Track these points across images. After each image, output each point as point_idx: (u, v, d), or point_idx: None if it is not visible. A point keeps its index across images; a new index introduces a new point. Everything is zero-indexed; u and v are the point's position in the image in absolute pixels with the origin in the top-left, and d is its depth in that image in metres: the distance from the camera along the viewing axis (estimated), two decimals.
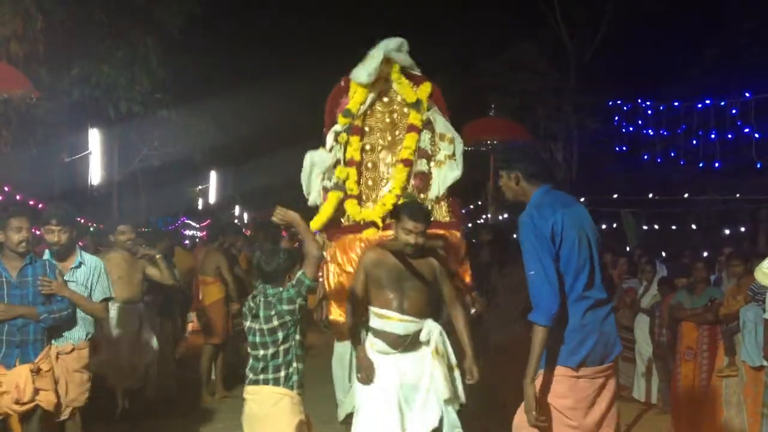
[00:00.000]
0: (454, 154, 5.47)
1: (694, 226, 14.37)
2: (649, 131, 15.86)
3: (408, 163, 5.45)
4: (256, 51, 23.84)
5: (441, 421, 4.70)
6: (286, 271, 4.59)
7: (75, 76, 12.11)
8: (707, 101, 14.32)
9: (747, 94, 13.89)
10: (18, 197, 9.99)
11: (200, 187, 32.34)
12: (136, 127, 16.73)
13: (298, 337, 4.50)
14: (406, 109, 5.62)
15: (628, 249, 11.77)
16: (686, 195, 15.11)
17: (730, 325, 6.68)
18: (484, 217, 13.70)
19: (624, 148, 17.46)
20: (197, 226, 27.20)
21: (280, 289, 4.50)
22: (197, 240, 18.61)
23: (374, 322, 4.82)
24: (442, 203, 5.50)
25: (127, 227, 7.10)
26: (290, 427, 4.46)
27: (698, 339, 7.16)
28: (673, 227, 14.20)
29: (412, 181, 5.44)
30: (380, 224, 5.31)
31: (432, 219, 4.98)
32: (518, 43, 21.54)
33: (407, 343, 4.76)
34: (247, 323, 4.58)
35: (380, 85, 5.61)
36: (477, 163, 21.10)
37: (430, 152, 5.49)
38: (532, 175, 3.96)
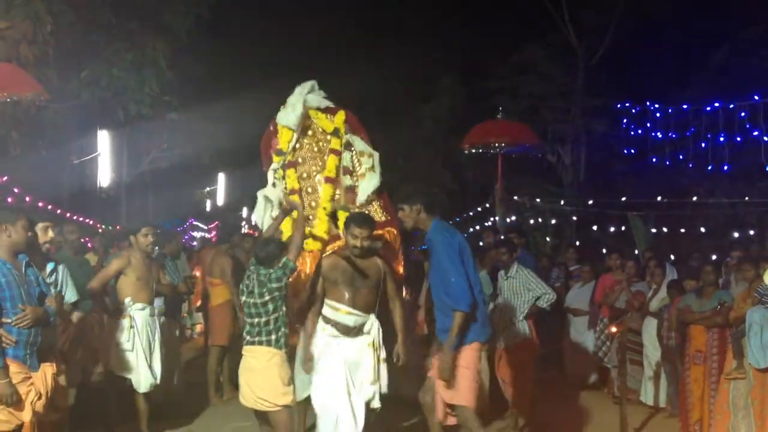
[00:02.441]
0: (373, 166, 6.44)
1: (702, 230, 14.31)
2: (658, 134, 15.83)
3: (330, 180, 6.43)
4: (264, 54, 23.88)
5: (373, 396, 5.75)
6: (276, 257, 5.59)
7: (84, 79, 12.16)
8: (716, 104, 14.28)
9: (756, 97, 13.85)
10: (27, 198, 10.04)
11: (208, 189, 32.42)
12: (145, 129, 16.79)
13: (284, 308, 5.60)
14: (328, 137, 6.56)
15: (636, 252, 11.73)
16: (694, 198, 15.05)
17: (739, 328, 6.66)
18: (491, 219, 13.68)
19: (632, 151, 17.44)
20: (205, 227, 27.26)
21: (270, 270, 5.56)
22: (205, 241, 18.64)
23: (327, 312, 5.78)
24: (374, 205, 6.41)
25: (149, 229, 7.08)
26: (280, 377, 5.59)
27: (707, 342, 7.15)
28: (682, 230, 14.15)
29: (343, 195, 6.42)
30: (325, 236, 6.22)
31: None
32: (526, 47, 21.53)
33: (353, 332, 5.75)
34: (243, 298, 5.66)
35: (302, 122, 6.58)
36: (484, 166, 21.22)
37: (352, 169, 6.51)
38: (430, 209, 5.45)
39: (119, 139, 17.51)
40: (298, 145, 6.61)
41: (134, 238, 7.12)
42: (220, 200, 32.61)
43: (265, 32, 24.06)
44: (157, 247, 7.68)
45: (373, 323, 5.82)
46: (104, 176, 17.40)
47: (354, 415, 5.59)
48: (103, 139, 17.04)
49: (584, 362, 9.92)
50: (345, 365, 5.67)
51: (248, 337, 5.67)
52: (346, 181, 6.46)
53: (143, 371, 6.85)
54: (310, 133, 6.66)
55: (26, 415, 4.71)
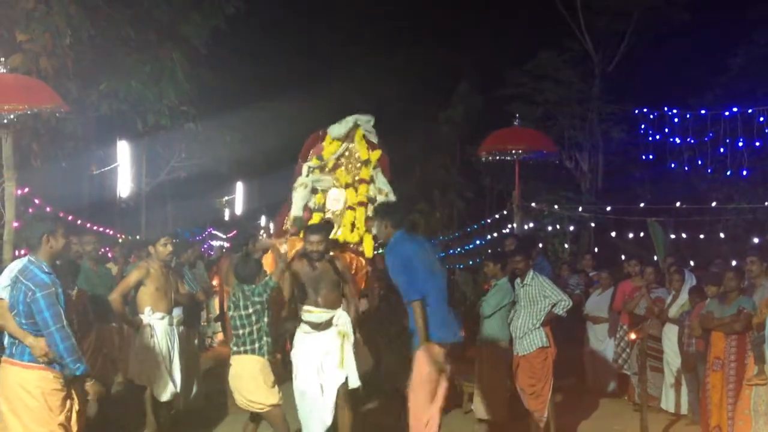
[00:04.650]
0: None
1: (722, 235, 14.21)
2: (676, 139, 15.75)
3: (363, 204, 7.59)
4: (281, 63, 24.02)
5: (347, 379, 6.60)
6: (256, 274, 6.31)
7: (103, 91, 12.24)
8: (734, 109, 14.19)
9: None
10: (48, 209, 10.12)
11: (226, 198, 32.58)
12: (164, 139, 16.90)
13: (266, 319, 6.21)
14: (359, 165, 7.67)
15: (655, 258, 11.66)
16: (714, 203, 14.95)
17: (760, 333, 6.61)
18: (509, 226, 13.64)
19: (650, 157, 17.34)
20: (224, 236, 27.37)
21: (253, 286, 6.21)
22: (223, 250, 18.72)
23: (303, 314, 6.67)
24: (369, 239, 7.52)
25: (168, 239, 7.18)
26: (265, 381, 6.18)
27: (726, 349, 7.10)
28: (701, 236, 14.05)
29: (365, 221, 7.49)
30: (351, 240, 7.34)
31: (361, 250, 7.38)
32: (543, 54, 21.51)
33: (323, 326, 6.62)
34: (230, 312, 6.28)
35: (347, 141, 7.67)
36: (502, 173, 21.21)
37: (375, 199, 7.58)
38: (395, 224, 6.18)
39: (138, 150, 17.65)
40: (336, 159, 7.73)
41: (153, 248, 7.16)
42: (239, 209, 32.76)
43: (282, 42, 24.24)
44: (175, 257, 7.73)
45: (340, 316, 6.68)
46: (123, 186, 17.55)
47: (324, 399, 6.50)
48: (123, 149, 17.19)
49: (604, 370, 9.88)
50: (317, 355, 6.56)
51: (234, 348, 6.27)
52: (368, 211, 7.49)
53: (163, 380, 6.89)
54: (347, 154, 7.76)
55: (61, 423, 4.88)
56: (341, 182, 7.80)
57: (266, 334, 6.23)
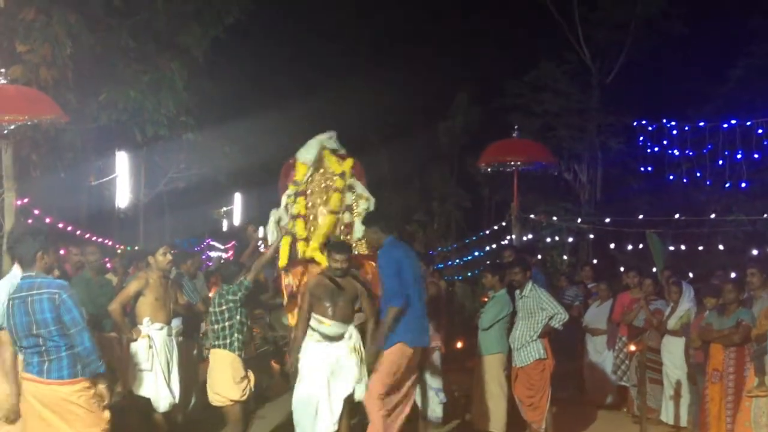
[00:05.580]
0: (368, 208, 7.65)
1: (721, 247, 14.22)
2: (675, 151, 15.77)
3: (333, 212, 7.65)
4: (280, 74, 24.05)
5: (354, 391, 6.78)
6: (235, 275, 6.85)
7: (102, 101, 12.25)
8: (733, 121, 14.22)
9: None
10: (47, 220, 10.12)
11: (225, 208, 32.55)
12: (162, 150, 16.89)
13: (239, 317, 6.68)
14: (335, 177, 7.80)
15: (654, 270, 11.66)
16: (712, 215, 14.96)
17: (761, 345, 6.61)
18: (508, 237, 13.64)
19: (649, 169, 17.36)
20: (222, 247, 27.35)
21: (230, 286, 6.73)
22: (221, 261, 18.69)
23: (313, 323, 6.82)
24: (363, 241, 7.61)
25: (167, 249, 7.21)
26: (232, 376, 6.62)
27: (724, 361, 7.10)
28: (700, 248, 14.06)
29: (342, 228, 7.63)
30: (320, 257, 7.26)
31: (357, 252, 7.40)
32: (541, 65, 21.56)
33: (335, 339, 6.78)
34: (210, 308, 6.79)
35: (317, 162, 7.85)
36: (501, 184, 21.22)
37: (353, 207, 7.73)
38: (384, 230, 6.75)
39: (137, 161, 17.65)
40: (310, 179, 7.87)
41: (152, 259, 7.17)
42: (237, 220, 32.74)
43: (281, 52, 24.25)
44: (174, 268, 7.73)
45: (352, 332, 6.86)
46: (122, 197, 17.53)
47: (331, 408, 6.66)
48: (121, 160, 17.18)
49: (603, 381, 9.86)
50: (326, 365, 6.71)
51: (207, 343, 6.85)
52: (346, 217, 7.69)
53: (162, 391, 6.89)
54: (321, 170, 7.89)
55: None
56: (314, 201, 7.91)
57: (238, 332, 6.68)
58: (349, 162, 7.92)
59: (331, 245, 7.08)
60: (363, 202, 7.78)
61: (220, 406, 6.72)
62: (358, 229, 7.63)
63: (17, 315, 4.98)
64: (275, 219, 7.73)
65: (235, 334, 6.66)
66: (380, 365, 6.49)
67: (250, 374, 6.94)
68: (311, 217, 7.79)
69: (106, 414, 5.15)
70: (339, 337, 6.82)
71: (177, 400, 7.04)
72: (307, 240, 7.54)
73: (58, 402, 4.98)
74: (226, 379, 6.62)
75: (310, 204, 7.84)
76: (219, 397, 6.63)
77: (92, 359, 5.03)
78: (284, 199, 7.86)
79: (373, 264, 7.42)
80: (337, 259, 6.78)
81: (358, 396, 6.77)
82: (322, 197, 7.89)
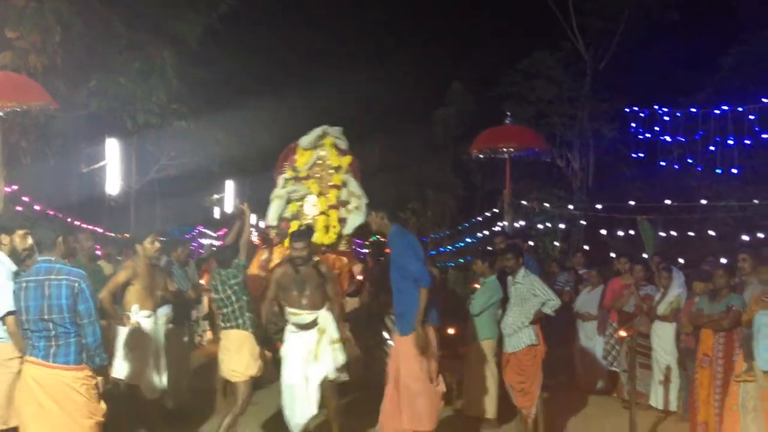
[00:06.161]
0: (359, 206, 8.09)
1: (712, 233, 14.26)
2: (666, 138, 15.79)
3: (334, 207, 8.21)
4: (273, 62, 23.95)
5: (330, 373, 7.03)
6: (231, 258, 6.86)
7: (93, 88, 12.20)
8: (725, 107, 14.24)
9: (765, 100, 13.80)
10: (37, 207, 10.09)
11: (216, 196, 32.43)
12: (154, 137, 16.84)
13: (245, 298, 6.79)
14: (331, 171, 8.19)
15: (645, 256, 11.68)
16: (704, 201, 15.00)
17: (749, 330, 6.63)
18: (500, 225, 13.65)
19: (641, 155, 17.38)
20: (214, 235, 27.28)
21: (229, 270, 6.79)
22: (213, 248, 18.68)
23: (288, 315, 7.11)
24: (345, 239, 8.19)
25: (155, 237, 7.19)
26: (250, 353, 6.76)
27: (714, 346, 7.11)
28: (691, 234, 14.09)
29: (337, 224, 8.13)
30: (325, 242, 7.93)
31: (337, 248, 7.95)
32: (535, 53, 21.55)
33: (308, 326, 7.02)
34: (213, 295, 6.90)
35: (318, 150, 8.24)
36: (494, 171, 21.22)
37: (346, 201, 8.19)
38: (391, 218, 6.83)
39: (128, 148, 17.57)
40: (309, 168, 8.22)
41: (140, 247, 7.15)
42: (229, 208, 32.66)
43: (274, 41, 24.14)
44: (165, 255, 7.71)
45: (323, 316, 7.06)
46: (113, 185, 17.43)
47: (309, 393, 6.92)
48: (112, 147, 17.07)
49: (593, 367, 9.90)
50: (303, 353, 6.96)
51: (223, 324, 6.87)
52: (341, 213, 8.10)
53: (151, 378, 6.89)
54: (320, 162, 8.25)
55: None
56: (314, 191, 8.40)
57: (247, 310, 6.81)
58: (347, 159, 8.27)
59: (292, 233, 7.43)
60: (355, 199, 8.15)
61: (234, 382, 6.87)
62: (351, 225, 7.98)
63: (31, 298, 4.94)
64: (276, 197, 8.27)
65: (247, 314, 6.80)
66: (410, 358, 6.48)
67: (262, 350, 7.16)
68: (302, 204, 8.30)
69: (103, 405, 5.14)
70: (312, 324, 7.05)
71: (165, 387, 7.05)
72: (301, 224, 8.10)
73: (60, 388, 4.94)
74: (244, 357, 6.75)
75: (302, 190, 8.35)
76: (236, 373, 6.78)
77: (99, 351, 5.05)
78: (281, 181, 8.23)
79: (345, 260, 7.96)
80: (296, 247, 7.00)
81: (331, 375, 6.99)
82: (316, 187, 8.32)
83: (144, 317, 6.94)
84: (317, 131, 8.32)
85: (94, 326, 4.98)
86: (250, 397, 6.86)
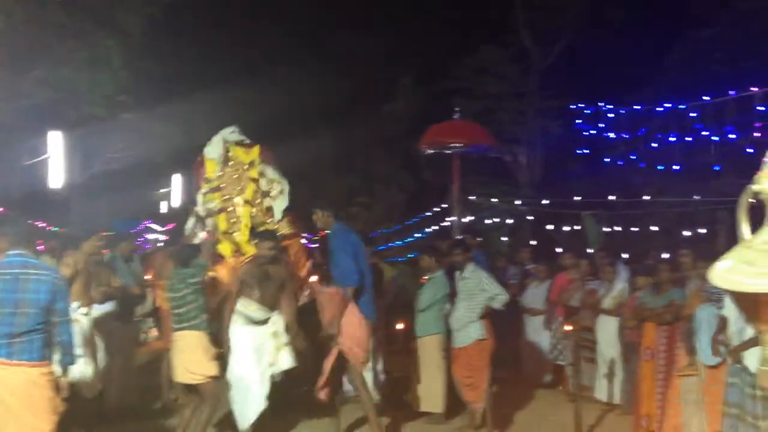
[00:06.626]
0: (282, 191, 8.06)
1: (654, 228, 14.54)
2: (610, 134, 16.05)
3: (248, 202, 8.00)
4: (220, 53, 23.66)
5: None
6: (192, 257, 6.87)
7: (35, 78, 11.92)
8: (667, 105, 14.52)
9: (706, 98, 14.11)
10: None
11: (163, 190, 31.97)
12: (100, 130, 16.50)
13: (201, 300, 6.70)
14: (246, 167, 8.10)
15: (590, 251, 11.87)
16: (646, 197, 15.29)
17: (690, 324, 6.77)
18: (448, 220, 13.73)
19: (586, 151, 17.63)
20: (161, 229, 26.88)
21: (188, 269, 6.74)
22: (158, 244, 18.43)
23: (240, 307, 7.14)
24: (285, 221, 8.04)
25: (97, 234, 7.24)
26: (205, 354, 6.68)
27: (656, 339, 7.26)
28: (634, 229, 14.37)
29: (263, 214, 8.01)
30: (246, 246, 7.73)
31: (279, 234, 7.69)
32: (483, 48, 21.68)
33: (259, 322, 7.15)
34: (168, 294, 6.81)
35: (224, 155, 8.14)
36: (441, 167, 21.31)
37: (268, 191, 8.11)
38: (336, 216, 7.21)
39: (72, 140, 17.15)
40: (221, 174, 8.13)
41: (82, 243, 7.05)
42: (176, 202, 32.21)
43: (221, 32, 23.84)
44: (108, 251, 7.60)
45: (275, 317, 7.22)
46: (55, 178, 17.02)
47: (261, 387, 7.01)
48: (55, 140, 16.66)
49: (540, 361, 10.02)
50: (254, 347, 7.07)
51: (176, 325, 6.76)
52: (266, 202, 8.06)
53: (89, 375, 6.78)
54: (231, 163, 8.17)
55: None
56: (230, 194, 8.19)
57: (203, 311, 6.76)
58: (255, 150, 8.19)
59: (259, 234, 7.50)
60: (277, 185, 8.12)
61: (197, 383, 6.73)
62: (278, 212, 8.03)
63: (3, 290, 4.78)
64: (194, 215, 8.16)
65: (201, 315, 6.74)
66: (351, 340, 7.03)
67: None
68: (230, 209, 8.16)
69: (63, 405, 5.06)
70: (263, 322, 7.19)
71: (102, 385, 6.98)
72: (228, 234, 7.93)
73: (24, 386, 4.79)
74: (199, 358, 6.67)
75: (226, 197, 8.15)
76: (194, 375, 6.67)
77: (71, 350, 5.06)
78: (200, 198, 8.16)
79: (299, 241, 8.11)
80: (265, 247, 7.20)
81: (277, 377, 7.20)
82: (236, 188, 8.20)
83: (82, 314, 6.82)
84: (216, 142, 8.22)
85: (68, 326, 4.97)
86: (216, 396, 6.77)
